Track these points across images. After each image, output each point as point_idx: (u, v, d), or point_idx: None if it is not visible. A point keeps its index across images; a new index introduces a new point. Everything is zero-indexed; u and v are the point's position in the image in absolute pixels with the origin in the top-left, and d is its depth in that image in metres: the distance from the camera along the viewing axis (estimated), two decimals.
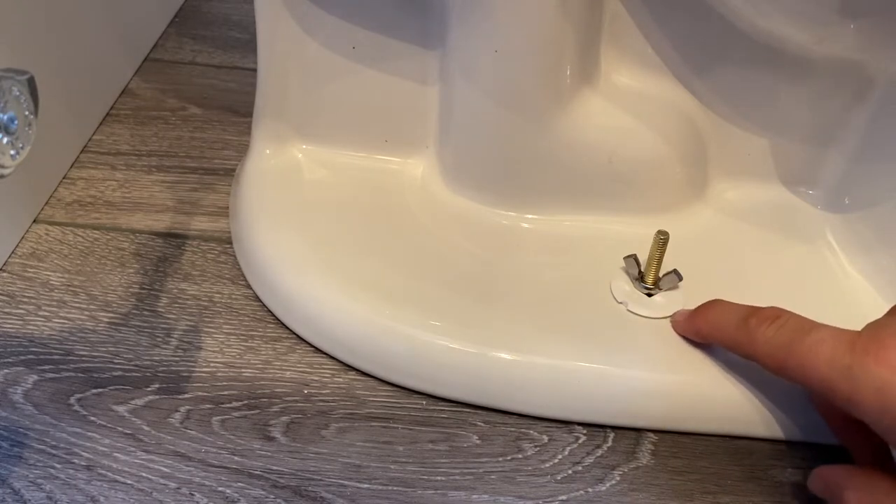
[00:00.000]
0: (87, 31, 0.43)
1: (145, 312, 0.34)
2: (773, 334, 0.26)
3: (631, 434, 0.31)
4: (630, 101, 0.35)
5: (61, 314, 0.34)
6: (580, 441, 0.31)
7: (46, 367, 0.32)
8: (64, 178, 0.41)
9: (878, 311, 0.26)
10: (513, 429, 0.31)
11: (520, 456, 0.30)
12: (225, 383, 0.32)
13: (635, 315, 0.32)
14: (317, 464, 0.30)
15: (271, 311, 0.34)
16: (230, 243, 0.37)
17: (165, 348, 0.33)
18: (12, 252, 0.37)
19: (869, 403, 0.23)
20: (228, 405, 0.31)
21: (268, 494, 0.28)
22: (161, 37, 0.51)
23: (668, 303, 0.33)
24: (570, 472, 0.30)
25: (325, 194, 0.37)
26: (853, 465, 0.27)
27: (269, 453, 0.30)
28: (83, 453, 0.29)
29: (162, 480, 0.29)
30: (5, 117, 0.22)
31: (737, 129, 0.36)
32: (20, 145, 0.23)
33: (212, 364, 0.33)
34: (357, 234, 0.35)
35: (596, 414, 0.31)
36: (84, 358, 0.33)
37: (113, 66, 0.46)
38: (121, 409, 0.31)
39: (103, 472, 0.29)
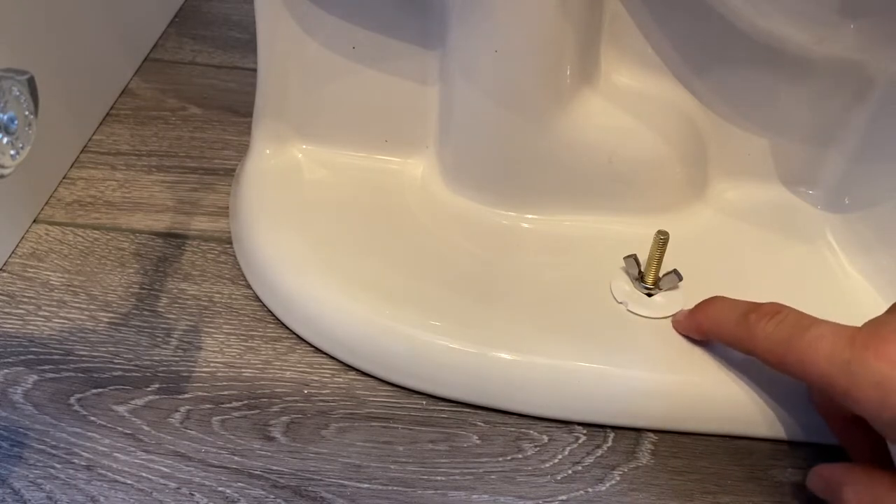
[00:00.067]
0: (87, 31, 0.43)
1: (145, 312, 0.34)
2: (773, 329, 0.26)
3: (631, 434, 0.31)
4: (630, 101, 0.35)
5: (61, 314, 0.34)
6: (580, 441, 0.31)
7: (46, 367, 0.32)
8: (64, 178, 0.41)
9: (878, 310, 0.26)
10: (513, 429, 0.31)
11: (520, 456, 0.30)
12: (225, 383, 0.32)
13: (635, 315, 0.32)
14: (317, 464, 0.30)
15: (271, 311, 0.34)
16: (230, 243, 0.37)
17: (165, 348, 0.33)
18: (12, 252, 0.37)
19: (868, 398, 0.23)
20: (228, 405, 0.31)
21: (268, 494, 0.28)
22: (161, 37, 0.51)
23: (668, 303, 0.33)
24: (570, 472, 0.30)
25: (325, 194, 0.37)
26: (852, 463, 0.27)
27: (269, 453, 0.30)
28: (83, 453, 0.29)
29: (162, 480, 0.29)
30: (5, 117, 0.22)
31: (737, 129, 0.36)
32: (20, 145, 0.23)
33: (212, 364, 0.33)
34: (357, 234, 0.35)
35: (596, 414, 0.31)
36: (84, 358, 0.33)
37: (113, 66, 0.46)
38: (121, 409, 0.31)
39: (103, 472, 0.29)
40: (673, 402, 0.30)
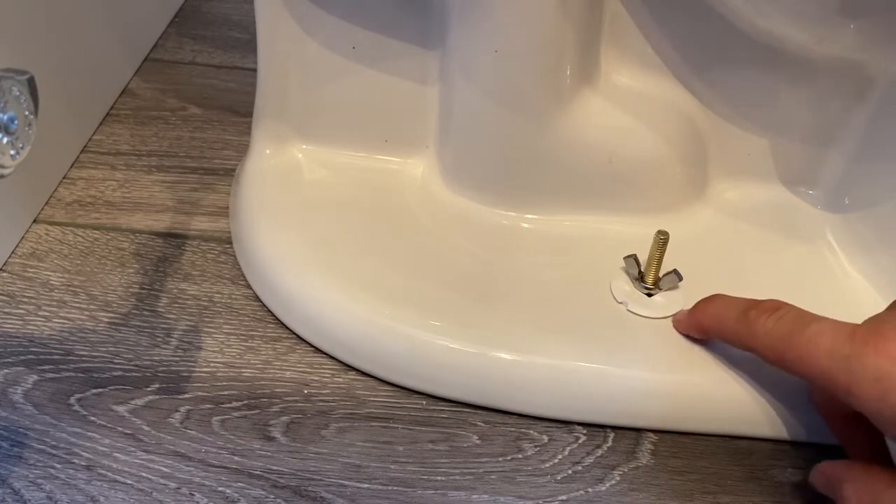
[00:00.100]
0: (87, 31, 0.43)
1: (145, 312, 0.34)
2: (773, 326, 0.27)
3: (631, 434, 0.31)
4: (630, 101, 0.35)
5: (61, 314, 0.34)
6: (580, 441, 0.31)
7: (46, 367, 0.32)
8: (64, 178, 0.41)
9: (878, 310, 0.26)
10: (513, 429, 0.31)
11: (520, 456, 0.30)
12: (225, 383, 0.32)
13: (635, 315, 0.32)
14: (317, 464, 0.30)
15: (271, 311, 0.34)
16: (230, 243, 0.37)
17: (165, 348, 0.33)
18: (12, 252, 0.37)
19: (868, 394, 0.23)
20: (228, 405, 0.31)
21: (268, 494, 0.28)
22: (161, 37, 0.51)
23: (668, 303, 0.33)
24: (570, 472, 0.30)
25: (325, 194, 0.37)
26: (852, 461, 0.27)
27: (269, 453, 0.30)
28: (83, 453, 0.29)
29: (162, 480, 0.29)
30: (5, 117, 0.22)
31: (737, 129, 0.36)
32: (20, 145, 0.23)
33: (212, 364, 0.33)
34: (357, 234, 0.35)
35: (596, 414, 0.31)
36: (84, 358, 0.33)
37: (113, 66, 0.46)
38: (121, 409, 0.31)
39: (103, 472, 0.29)
40: (673, 402, 0.30)
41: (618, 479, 0.30)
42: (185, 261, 0.37)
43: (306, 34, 0.35)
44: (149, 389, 0.32)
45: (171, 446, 0.30)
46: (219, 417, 0.31)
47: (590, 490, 0.29)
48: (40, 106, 0.24)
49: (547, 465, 0.30)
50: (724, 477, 0.30)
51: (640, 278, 0.33)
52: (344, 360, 0.33)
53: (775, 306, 0.27)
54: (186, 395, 0.31)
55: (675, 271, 0.33)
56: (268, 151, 0.38)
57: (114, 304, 0.35)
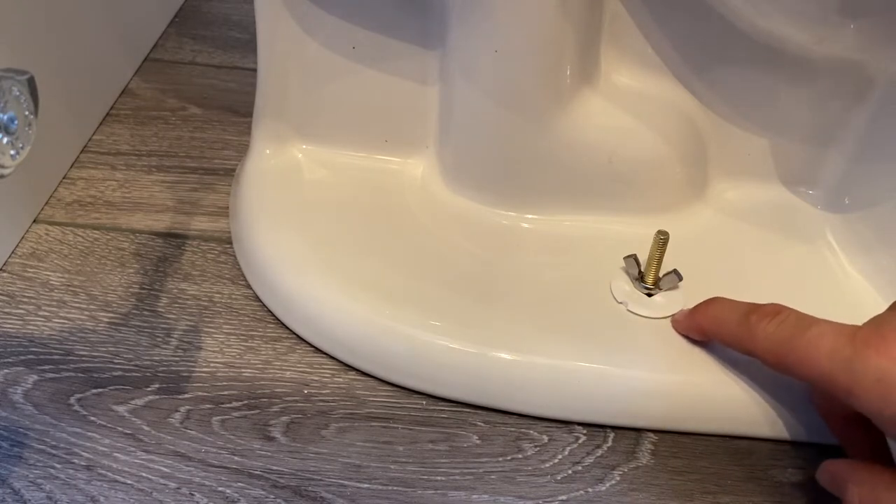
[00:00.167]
0: (87, 31, 0.43)
1: (145, 312, 0.34)
2: (774, 330, 0.27)
3: (631, 434, 0.31)
4: (630, 101, 0.35)
5: (61, 314, 0.34)
6: (580, 441, 0.31)
7: (46, 367, 0.32)
8: (64, 178, 0.41)
9: (878, 310, 0.26)
10: (513, 429, 0.31)
11: (520, 456, 0.30)
12: (225, 383, 0.32)
13: (635, 315, 0.32)
14: (317, 464, 0.30)
15: (271, 311, 0.34)
16: (230, 243, 0.37)
17: (165, 348, 0.33)
18: (12, 252, 0.37)
19: (869, 395, 0.23)
20: (228, 405, 0.31)
21: (268, 494, 0.28)
22: (161, 37, 0.51)
23: (668, 303, 0.33)
24: (570, 472, 0.30)
25: (325, 194, 0.37)
26: (856, 461, 0.27)
27: (269, 453, 0.30)
28: (83, 453, 0.29)
29: (162, 480, 0.29)
30: (5, 117, 0.22)
31: (737, 129, 0.36)
32: (20, 145, 0.23)
33: (212, 364, 0.33)
34: (357, 234, 0.35)
35: (596, 414, 0.31)
36: (84, 358, 0.33)
37: (113, 66, 0.46)
38: (121, 409, 0.31)
39: (103, 472, 0.29)
40: (673, 402, 0.30)
41: (618, 479, 0.30)
42: (185, 261, 0.37)
43: (306, 34, 0.35)
44: (149, 389, 0.32)
45: (171, 446, 0.30)
46: (219, 417, 0.31)
47: (590, 490, 0.29)
48: (40, 106, 0.24)
49: (547, 465, 0.30)
50: (724, 477, 0.30)
51: (640, 278, 0.33)
52: (344, 360, 0.33)
53: (776, 310, 0.27)
54: (186, 395, 0.31)
55: (675, 271, 0.33)
56: (268, 151, 0.38)
57: (114, 304, 0.35)
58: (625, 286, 0.33)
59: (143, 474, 0.29)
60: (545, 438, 0.31)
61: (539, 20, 0.31)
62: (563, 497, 0.29)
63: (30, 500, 0.28)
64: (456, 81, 0.34)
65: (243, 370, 0.32)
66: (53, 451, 0.29)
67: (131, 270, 0.36)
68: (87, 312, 0.34)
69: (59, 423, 0.30)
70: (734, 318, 0.28)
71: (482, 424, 0.31)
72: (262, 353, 0.33)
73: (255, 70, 0.36)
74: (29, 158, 0.23)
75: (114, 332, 0.34)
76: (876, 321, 0.25)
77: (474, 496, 0.29)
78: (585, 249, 0.36)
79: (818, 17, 0.31)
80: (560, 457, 0.30)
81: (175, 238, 0.38)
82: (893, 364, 0.23)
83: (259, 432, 0.30)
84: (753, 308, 0.28)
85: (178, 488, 0.28)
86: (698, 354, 0.31)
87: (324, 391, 0.32)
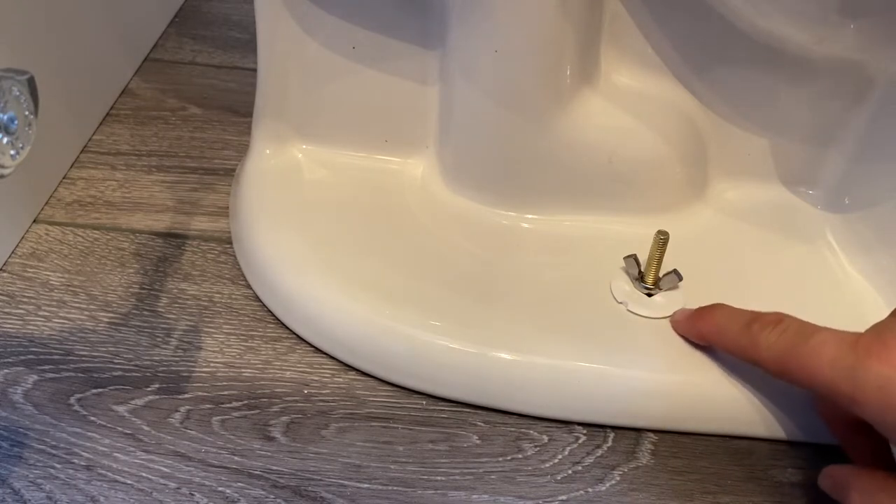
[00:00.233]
0: (87, 31, 0.43)
1: (145, 312, 0.34)
2: (776, 339, 0.27)
3: (631, 434, 0.31)
4: (630, 101, 0.35)
5: (61, 314, 0.34)
6: (580, 441, 0.31)
7: (46, 367, 0.32)
8: (64, 178, 0.41)
9: (879, 311, 0.26)
10: (513, 429, 0.31)
11: (520, 456, 0.30)
12: (225, 383, 0.32)
13: (635, 315, 0.32)
14: (317, 464, 0.30)
15: (271, 311, 0.34)
16: (230, 243, 0.37)
17: (165, 348, 0.33)
18: (12, 252, 0.37)
19: (872, 402, 0.23)
20: (228, 405, 0.31)
21: (268, 494, 0.28)
22: (161, 37, 0.51)
23: (668, 303, 0.33)
24: (570, 472, 0.30)
25: (325, 194, 0.37)
26: (858, 467, 0.27)
27: (269, 453, 0.30)
28: (83, 453, 0.29)
29: (162, 480, 0.29)
30: (5, 117, 0.22)
31: (737, 129, 0.36)
32: (20, 145, 0.23)
33: (212, 364, 0.33)
34: (357, 234, 0.35)
35: (596, 414, 0.31)
36: (84, 358, 0.33)
37: (113, 66, 0.46)
38: (121, 409, 0.31)
39: (103, 472, 0.29)
40: (673, 402, 0.30)
41: (618, 479, 0.30)
42: (185, 261, 0.37)
43: (306, 34, 0.35)
44: (149, 389, 0.32)
45: (171, 446, 0.30)
46: (219, 417, 0.31)
47: (590, 490, 0.29)
48: (40, 106, 0.24)
49: (547, 465, 0.30)
50: (724, 477, 0.30)
51: (640, 278, 0.33)
52: (344, 360, 0.33)
53: (777, 319, 0.27)
54: (186, 395, 0.31)
55: (675, 271, 0.33)
56: (268, 151, 0.38)
57: (114, 304, 0.35)
58: (625, 286, 0.33)
59: (143, 474, 0.29)
60: (545, 438, 0.31)
61: (539, 20, 0.31)
62: (563, 497, 0.29)
63: (30, 500, 0.28)
64: (456, 81, 0.34)
65: (243, 370, 0.32)
66: (53, 451, 0.29)
67: (131, 270, 0.36)
68: (87, 312, 0.34)
69: (59, 423, 0.30)
70: (736, 328, 0.28)
71: (482, 424, 0.31)
72: (262, 353, 0.33)
73: (255, 70, 0.36)
74: (29, 158, 0.23)
75: (114, 332, 0.34)
76: (877, 328, 0.25)
77: (474, 496, 0.29)
78: (585, 249, 0.36)
79: (818, 17, 0.31)
80: (560, 457, 0.30)
81: (175, 238, 0.38)
82: (895, 371, 0.23)
83: (259, 432, 0.30)
84: (755, 317, 0.28)
85: (178, 488, 0.28)
86: (698, 354, 0.31)
87: (324, 391, 0.32)
